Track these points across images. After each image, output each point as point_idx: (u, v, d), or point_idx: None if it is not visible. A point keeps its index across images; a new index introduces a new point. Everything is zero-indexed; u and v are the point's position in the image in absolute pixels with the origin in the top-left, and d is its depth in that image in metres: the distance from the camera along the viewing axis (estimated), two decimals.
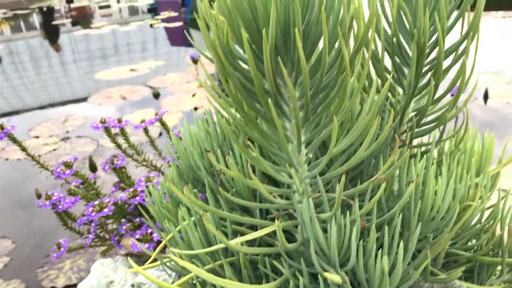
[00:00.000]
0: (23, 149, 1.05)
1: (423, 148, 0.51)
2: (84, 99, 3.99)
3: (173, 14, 7.63)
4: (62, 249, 0.85)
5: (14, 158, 2.87)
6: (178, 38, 6.29)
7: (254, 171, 0.43)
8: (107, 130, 0.96)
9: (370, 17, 0.30)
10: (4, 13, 11.51)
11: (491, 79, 3.35)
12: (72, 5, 11.35)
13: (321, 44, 0.35)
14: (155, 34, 6.86)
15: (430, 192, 0.41)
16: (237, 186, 0.42)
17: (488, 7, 6.26)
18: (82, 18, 9.56)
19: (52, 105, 4.25)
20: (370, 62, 0.46)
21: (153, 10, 8.47)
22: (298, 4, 0.28)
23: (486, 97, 3.04)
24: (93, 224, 0.81)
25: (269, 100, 0.29)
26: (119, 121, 0.97)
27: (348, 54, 0.31)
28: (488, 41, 4.41)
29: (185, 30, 6.50)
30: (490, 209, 0.53)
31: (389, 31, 0.45)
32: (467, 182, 0.42)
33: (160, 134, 3.02)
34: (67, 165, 0.91)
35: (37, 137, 3.19)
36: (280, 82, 0.32)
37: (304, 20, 0.31)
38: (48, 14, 10.74)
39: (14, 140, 1.01)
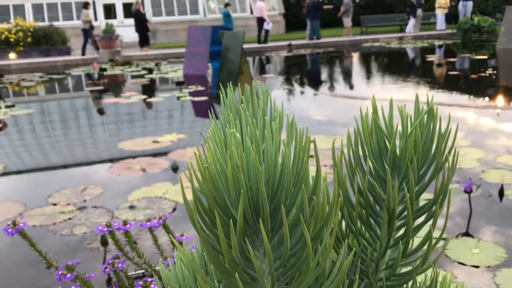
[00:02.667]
0: (32, 245, 1.09)
1: None
2: (105, 167, 4.09)
3: (200, 88, 7.92)
4: None
5: (30, 225, 2.93)
6: (203, 111, 6.49)
7: None
8: (111, 233, 1.01)
9: (332, 204, 0.35)
10: (41, 76, 12.12)
11: (508, 175, 3.34)
12: (105, 73, 11.90)
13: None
14: (181, 106, 7.10)
15: None
16: None
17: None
18: (114, 86, 9.98)
19: (74, 165, 4.38)
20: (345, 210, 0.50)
21: (181, 83, 8.83)
22: (265, 196, 0.32)
23: (501, 194, 3.02)
24: None
25: (236, 274, 0.33)
26: (124, 223, 1.02)
27: (311, 233, 0.35)
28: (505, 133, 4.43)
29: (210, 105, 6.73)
30: None
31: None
32: None
33: (174, 209, 3.07)
34: (69, 268, 0.95)
35: (54, 204, 3.26)
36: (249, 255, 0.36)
37: (273, 202, 0.35)
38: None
39: (24, 236, 1.05)
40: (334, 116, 6.03)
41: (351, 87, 8.62)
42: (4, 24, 17.61)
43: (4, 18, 19.28)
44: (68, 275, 0.93)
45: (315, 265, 0.41)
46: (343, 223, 0.52)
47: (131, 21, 22.77)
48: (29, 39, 17.01)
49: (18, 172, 4.28)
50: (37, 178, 4.14)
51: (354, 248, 0.41)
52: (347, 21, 19.17)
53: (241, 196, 0.32)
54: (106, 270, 0.97)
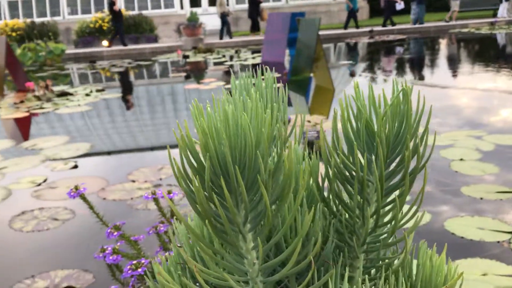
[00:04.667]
0: (91, 208, 1.24)
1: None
2: None
3: (276, 75, 8.03)
4: None
5: (110, 199, 3.20)
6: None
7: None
8: (155, 200, 1.14)
9: (289, 170, 0.42)
10: (129, 63, 12.85)
11: None
12: (187, 60, 12.37)
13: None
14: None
15: None
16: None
17: None
18: (196, 72, 10.36)
19: (154, 147, 4.68)
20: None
21: None
22: (230, 159, 0.40)
23: None
24: (132, 279, 0.96)
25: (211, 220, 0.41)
26: (169, 192, 1.14)
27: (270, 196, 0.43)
28: None
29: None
30: None
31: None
32: None
33: None
34: (116, 227, 1.09)
35: (133, 181, 3.52)
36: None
37: (241, 165, 0.43)
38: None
39: (85, 200, 1.21)
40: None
41: (436, 75, 8.29)
42: (99, 13, 18.79)
43: (98, 8, 20.53)
44: (115, 233, 1.07)
45: (288, 219, 0.49)
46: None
47: (215, 9, 23.29)
48: None
49: (104, 151, 4.65)
50: (120, 157, 4.48)
51: (316, 206, 0.47)
52: (455, 4, 18.22)
53: (207, 158, 0.40)
54: (150, 232, 1.10)
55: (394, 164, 0.54)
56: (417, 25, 17.82)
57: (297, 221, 0.48)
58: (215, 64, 11.32)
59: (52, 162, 4.08)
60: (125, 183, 3.50)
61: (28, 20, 18.56)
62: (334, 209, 0.55)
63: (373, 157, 0.52)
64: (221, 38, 17.18)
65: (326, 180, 0.55)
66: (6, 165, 4.03)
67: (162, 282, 0.53)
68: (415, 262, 0.61)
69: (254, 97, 0.42)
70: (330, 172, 0.55)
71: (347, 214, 0.54)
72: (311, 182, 0.54)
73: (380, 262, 0.56)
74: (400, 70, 9.14)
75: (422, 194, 0.53)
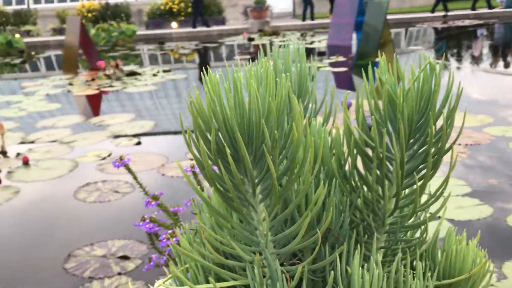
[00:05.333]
0: (135, 178, 1.29)
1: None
2: None
3: (341, 59, 7.87)
4: (151, 263, 1.06)
5: (169, 175, 3.30)
6: (340, 82, 6.47)
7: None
8: (194, 173, 1.16)
9: (297, 141, 0.41)
10: (196, 45, 13.08)
11: None
12: (252, 43, 12.40)
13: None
14: (319, 76, 7.16)
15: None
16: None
17: None
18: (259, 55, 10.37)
19: None
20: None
21: (322, 54, 8.86)
22: (236, 127, 0.40)
23: None
24: (168, 248, 0.99)
25: (217, 185, 0.42)
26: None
27: (277, 170, 0.42)
28: None
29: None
30: None
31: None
32: None
33: None
34: (155, 197, 1.13)
35: (191, 159, 3.61)
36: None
37: (249, 134, 0.43)
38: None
39: (129, 170, 1.25)
40: (496, 95, 5.41)
41: None
42: None
43: None
44: (153, 203, 1.11)
45: (301, 191, 0.48)
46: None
47: None
48: (189, 9, 18.32)
49: (167, 130, 4.79)
50: (181, 136, 4.60)
51: (332, 181, 0.46)
52: None
53: (213, 124, 0.41)
54: (188, 204, 1.13)
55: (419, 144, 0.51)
56: (497, 10, 16.75)
57: (312, 195, 0.48)
58: (279, 47, 11.27)
59: (117, 138, 4.26)
60: (183, 161, 3.60)
61: (103, 2, 19.32)
62: (354, 185, 0.53)
63: (396, 134, 0.50)
64: (303, 19, 17.05)
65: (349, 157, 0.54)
66: (75, 139, 4.26)
67: (180, 250, 0.55)
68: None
69: (265, 65, 0.41)
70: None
71: (367, 192, 0.53)
72: (332, 158, 0.53)
73: (400, 244, 0.54)
74: (474, 57, 8.67)
75: (447, 178, 0.51)
